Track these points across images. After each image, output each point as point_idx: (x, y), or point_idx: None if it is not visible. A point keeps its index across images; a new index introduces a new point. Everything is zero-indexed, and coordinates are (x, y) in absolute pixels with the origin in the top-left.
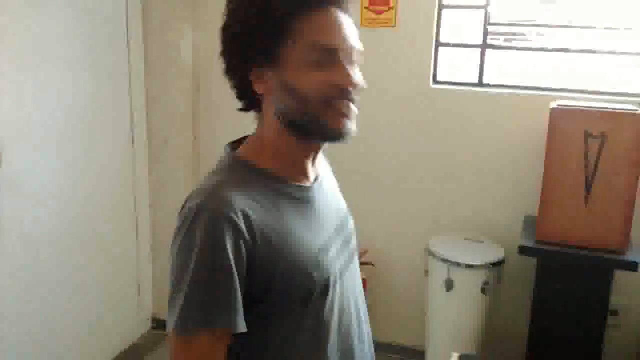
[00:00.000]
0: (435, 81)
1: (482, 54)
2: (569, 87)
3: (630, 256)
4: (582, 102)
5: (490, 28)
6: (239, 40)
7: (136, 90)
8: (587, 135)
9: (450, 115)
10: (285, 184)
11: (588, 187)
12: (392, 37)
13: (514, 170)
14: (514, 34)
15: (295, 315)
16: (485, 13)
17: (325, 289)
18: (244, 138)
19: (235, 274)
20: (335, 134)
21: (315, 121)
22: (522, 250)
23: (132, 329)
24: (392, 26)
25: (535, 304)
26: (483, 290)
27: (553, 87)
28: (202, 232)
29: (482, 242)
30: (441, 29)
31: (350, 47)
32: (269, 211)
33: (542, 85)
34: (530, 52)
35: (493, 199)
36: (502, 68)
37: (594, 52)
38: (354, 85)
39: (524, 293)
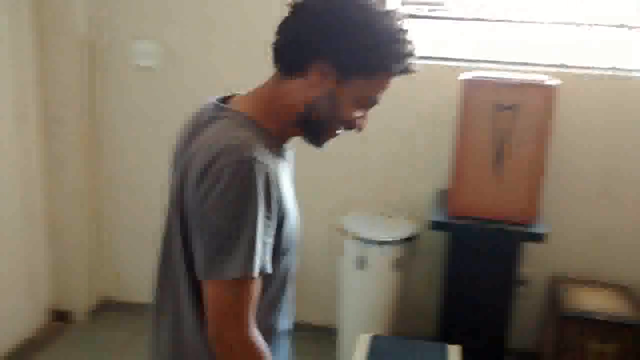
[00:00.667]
0: None
1: None
2: (482, 58)
3: (537, 227)
4: (493, 73)
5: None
6: (345, 39)
7: (26, 63)
8: (498, 106)
9: None
10: (282, 148)
11: (499, 160)
12: None
13: (426, 144)
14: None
15: (277, 263)
16: None
17: (294, 241)
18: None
19: (269, 218)
20: (318, 144)
21: (321, 130)
22: (435, 225)
23: (26, 321)
24: None
25: (447, 277)
26: (396, 267)
27: (466, 57)
28: (260, 183)
29: (394, 217)
30: None
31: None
32: (277, 169)
33: (455, 56)
34: (448, 21)
35: (405, 173)
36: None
37: (510, 21)
38: (362, 128)
39: (437, 267)
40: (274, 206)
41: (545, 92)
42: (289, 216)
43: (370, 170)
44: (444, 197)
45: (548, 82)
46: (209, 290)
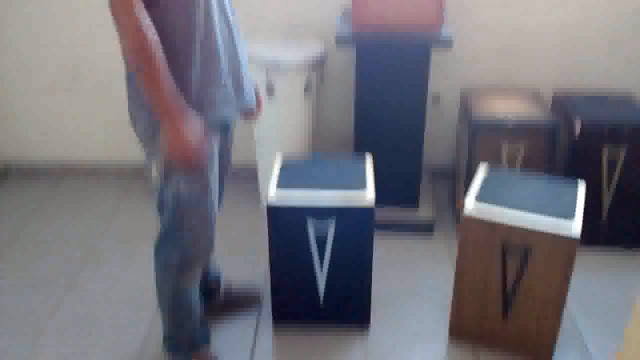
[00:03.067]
0: None
1: None
2: None
3: (444, 34)
4: None
5: None
6: None
7: None
8: None
9: None
10: None
11: None
12: None
13: None
14: None
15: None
16: None
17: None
18: None
19: None
20: None
21: None
22: (339, 40)
23: None
24: None
25: (358, 95)
26: (306, 91)
27: None
28: None
29: (301, 40)
30: None
31: None
32: None
33: None
34: None
35: None
36: None
37: None
38: None
39: (347, 90)
40: None
41: None
42: None
43: None
44: (350, 14)
45: None
46: None
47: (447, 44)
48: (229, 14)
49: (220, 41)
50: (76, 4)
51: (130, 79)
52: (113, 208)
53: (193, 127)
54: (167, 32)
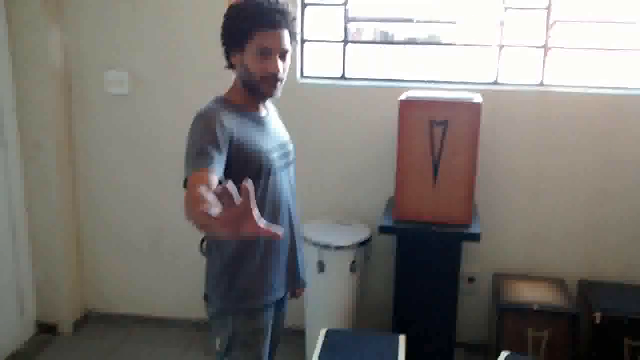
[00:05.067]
0: (302, 76)
1: (344, 50)
2: (421, 79)
3: (474, 228)
4: (428, 93)
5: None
6: (225, 38)
7: (4, 92)
8: (432, 122)
9: (319, 106)
10: (247, 111)
11: (435, 169)
12: None
13: (376, 157)
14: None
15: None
16: (345, 10)
17: (268, 173)
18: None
19: (223, 141)
20: (265, 95)
21: (256, 87)
22: (382, 229)
23: (14, 335)
24: None
25: (397, 276)
26: (352, 269)
27: (407, 79)
28: (200, 125)
29: (350, 225)
30: (305, 26)
31: (280, 49)
32: (237, 120)
33: (397, 78)
34: (389, 45)
35: (359, 184)
36: (366, 62)
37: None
38: (278, 72)
39: (389, 268)
40: (221, 137)
41: (472, 109)
42: (247, 146)
43: (327, 184)
44: (392, 205)
45: (475, 100)
46: None
47: (476, 238)
48: (293, 211)
49: (283, 234)
50: (162, 177)
51: (208, 264)
52: (178, 358)
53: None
54: None
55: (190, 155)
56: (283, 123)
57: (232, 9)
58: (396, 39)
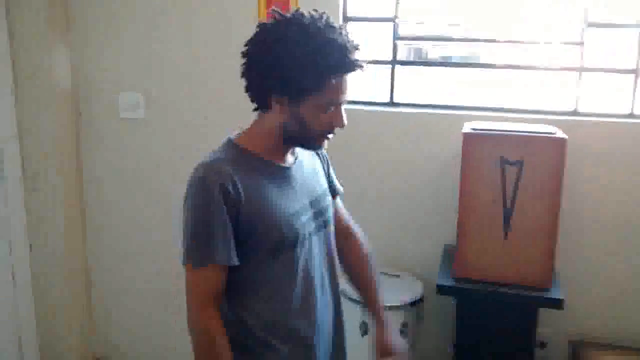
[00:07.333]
0: None
1: (392, 71)
2: (484, 105)
3: (554, 292)
4: (497, 124)
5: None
6: (271, 75)
7: (5, 117)
8: (504, 161)
9: (362, 137)
10: (267, 164)
11: (507, 219)
12: None
13: (431, 197)
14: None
15: (269, 261)
16: (394, 26)
17: (293, 244)
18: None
19: (228, 220)
20: (317, 149)
21: (310, 142)
22: (441, 290)
23: None
24: None
25: (457, 343)
26: (402, 332)
27: (467, 105)
28: (200, 196)
29: (398, 276)
30: None
31: (346, 99)
32: (251, 179)
33: (456, 104)
34: (446, 67)
35: (409, 228)
36: (415, 85)
37: (516, 67)
38: (343, 126)
39: (446, 331)
40: (226, 214)
41: (554, 146)
42: (263, 214)
43: (374, 225)
44: (452, 255)
45: (557, 135)
46: None
47: (558, 304)
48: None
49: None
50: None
51: None
52: None
53: None
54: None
55: (188, 236)
56: (321, 159)
57: (292, 33)
58: (430, 57)
